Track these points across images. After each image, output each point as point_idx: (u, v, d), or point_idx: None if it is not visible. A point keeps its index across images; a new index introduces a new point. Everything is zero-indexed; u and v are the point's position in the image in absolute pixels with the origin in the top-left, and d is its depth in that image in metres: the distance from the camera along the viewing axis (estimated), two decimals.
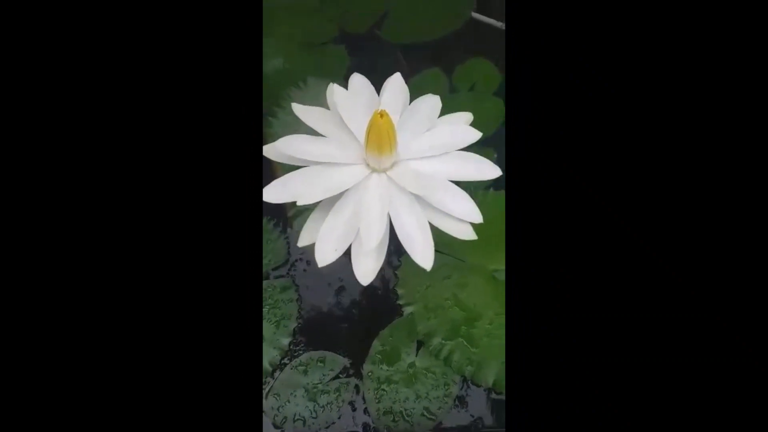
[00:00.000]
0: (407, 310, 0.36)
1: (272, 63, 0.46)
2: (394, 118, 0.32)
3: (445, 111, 0.36)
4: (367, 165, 0.30)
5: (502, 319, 0.35)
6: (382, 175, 0.30)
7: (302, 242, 0.30)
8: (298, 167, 0.31)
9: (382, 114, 0.29)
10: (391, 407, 0.33)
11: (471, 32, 0.49)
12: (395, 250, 0.36)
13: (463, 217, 0.29)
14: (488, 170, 0.30)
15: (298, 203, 0.28)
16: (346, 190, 0.29)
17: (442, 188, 0.30)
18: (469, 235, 0.29)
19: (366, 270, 0.28)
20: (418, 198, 0.29)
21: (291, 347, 0.35)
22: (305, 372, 0.33)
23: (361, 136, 0.30)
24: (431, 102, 0.33)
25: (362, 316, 0.34)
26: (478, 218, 0.29)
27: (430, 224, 0.29)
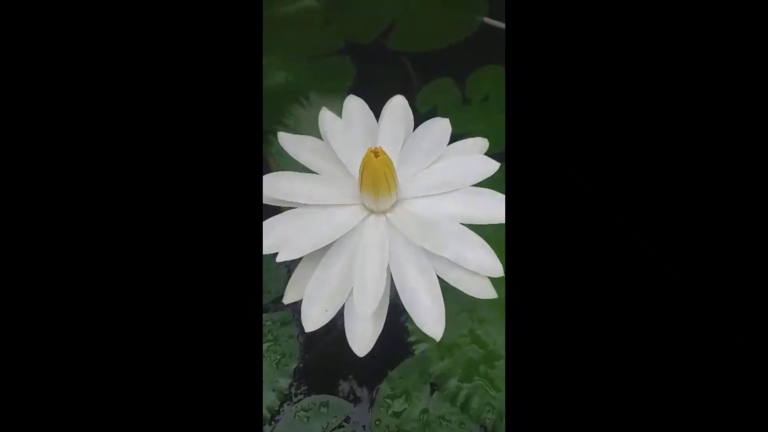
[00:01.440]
0: (419, 348, 0.31)
1: (275, 77, 0.42)
2: (395, 148, 0.27)
3: (457, 124, 0.30)
4: (364, 205, 0.25)
5: None
6: (381, 217, 0.25)
7: (288, 299, 0.25)
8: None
9: (376, 152, 0.24)
10: None
11: (483, 39, 0.44)
12: None
13: (481, 271, 0.23)
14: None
15: (279, 258, 0.23)
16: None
17: (452, 236, 0.24)
18: (488, 292, 0.24)
19: (362, 339, 0.23)
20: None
21: (292, 390, 0.30)
22: (307, 419, 0.29)
23: (357, 170, 0.25)
24: (439, 127, 0.28)
25: (369, 356, 0.29)
26: (499, 272, 0.23)
27: (440, 279, 0.24)
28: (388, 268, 0.24)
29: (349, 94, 0.38)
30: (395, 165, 0.25)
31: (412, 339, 0.32)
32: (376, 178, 0.24)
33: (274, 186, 0.25)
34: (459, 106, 0.41)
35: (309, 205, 0.25)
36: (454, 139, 0.30)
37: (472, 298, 0.33)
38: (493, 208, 0.25)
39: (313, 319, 0.23)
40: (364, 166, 0.25)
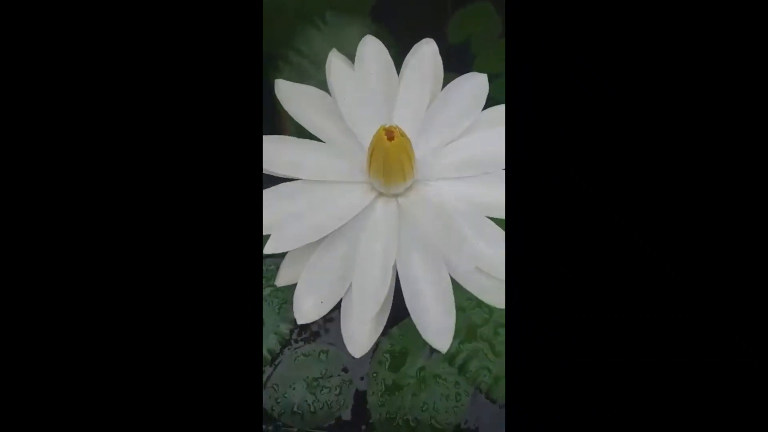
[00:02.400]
0: None
1: None
2: (417, 116, 0.22)
3: (494, 60, 0.25)
4: (373, 185, 0.22)
5: None
6: (392, 201, 0.22)
7: (281, 281, 0.22)
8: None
9: (390, 133, 0.19)
10: (396, 413, 0.28)
11: None
12: None
13: (503, 276, 0.21)
14: None
15: (267, 250, 0.20)
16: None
17: (475, 232, 0.21)
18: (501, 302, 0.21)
19: (359, 340, 0.21)
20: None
21: (292, 336, 0.30)
22: (307, 364, 0.29)
23: (368, 139, 0.21)
24: (473, 87, 0.23)
25: None
26: None
27: (453, 281, 0.21)
28: (395, 264, 0.21)
29: (370, 15, 0.32)
30: (415, 138, 0.21)
31: None
32: (389, 165, 0.21)
33: (268, 155, 0.21)
34: (498, 39, 0.36)
35: (308, 180, 0.22)
36: (491, 81, 0.25)
37: None
38: None
39: (306, 312, 0.21)
40: (375, 147, 0.21)
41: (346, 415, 0.30)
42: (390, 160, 0.21)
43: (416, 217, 0.21)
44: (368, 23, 0.32)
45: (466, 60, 0.36)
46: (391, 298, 0.22)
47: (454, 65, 0.34)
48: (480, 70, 0.32)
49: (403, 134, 0.21)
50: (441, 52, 0.35)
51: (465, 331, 0.31)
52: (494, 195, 0.22)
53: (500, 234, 0.21)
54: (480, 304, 0.31)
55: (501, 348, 0.30)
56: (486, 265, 0.21)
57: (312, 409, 0.30)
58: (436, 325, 0.21)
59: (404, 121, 0.23)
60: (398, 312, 0.32)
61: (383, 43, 0.32)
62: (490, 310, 0.31)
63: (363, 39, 0.24)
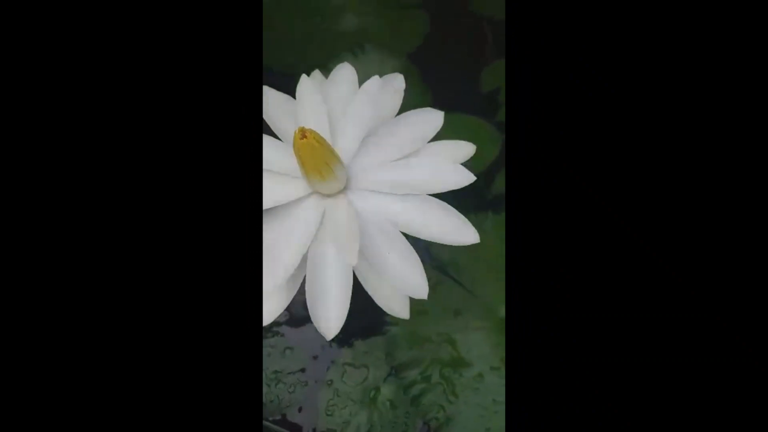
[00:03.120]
0: (391, 330, 0.30)
1: (348, 20, 0.40)
2: (357, 134, 0.24)
3: None
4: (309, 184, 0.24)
5: (494, 377, 0.28)
6: (323, 200, 0.23)
7: None
8: None
9: (303, 133, 0.21)
10: (339, 427, 0.28)
11: None
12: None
13: (404, 290, 0.21)
14: (465, 234, 0.23)
15: None
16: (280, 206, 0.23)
17: (388, 243, 0.22)
18: (403, 313, 0.21)
19: (265, 309, 0.22)
20: None
21: (265, 327, 0.31)
22: (269, 355, 0.30)
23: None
24: (427, 119, 0.25)
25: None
26: (424, 293, 0.21)
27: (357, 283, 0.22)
28: (306, 255, 0.22)
29: (409, 57, 0.35)
30: (355, 150, 0.23)
31: (388, 318, 0.31)
32: (301, 161, 0.22)
33: None
34: None
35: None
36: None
37: (463, 297, 0.31)
38: (445, 227, 0.22)
39: None
40: (294, 146, 0.22)
41: (292, 415, 0.30)
42: (301, 156, 0.22)
43: (335, 215, 0.23)
44: (403, 62, 0.34)
45: (494, 107, 0.37)
46: (299, 280, 0.23)
47: (483, 111, 0.36)
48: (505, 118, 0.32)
49: (317, 139, 0.22)
50: (472, 98, 0.36)
51: (428, 363, 0.31)
52: (411, 214, 0.23)
53: (409, 249, 0.22)
54: (449, 340, 0.31)
55: (460, 390, 0.30)
56: (391, 277, 0.22)
57: (263, 400, 0.31)
58: (326, 312, 0.22)
59: (347, 133, 0.25)
60: (367, 325, 0.32)
61: (412, 84, 0.34)
62: (458, 349, 0.31)
63: (339, 65, 0.27)
